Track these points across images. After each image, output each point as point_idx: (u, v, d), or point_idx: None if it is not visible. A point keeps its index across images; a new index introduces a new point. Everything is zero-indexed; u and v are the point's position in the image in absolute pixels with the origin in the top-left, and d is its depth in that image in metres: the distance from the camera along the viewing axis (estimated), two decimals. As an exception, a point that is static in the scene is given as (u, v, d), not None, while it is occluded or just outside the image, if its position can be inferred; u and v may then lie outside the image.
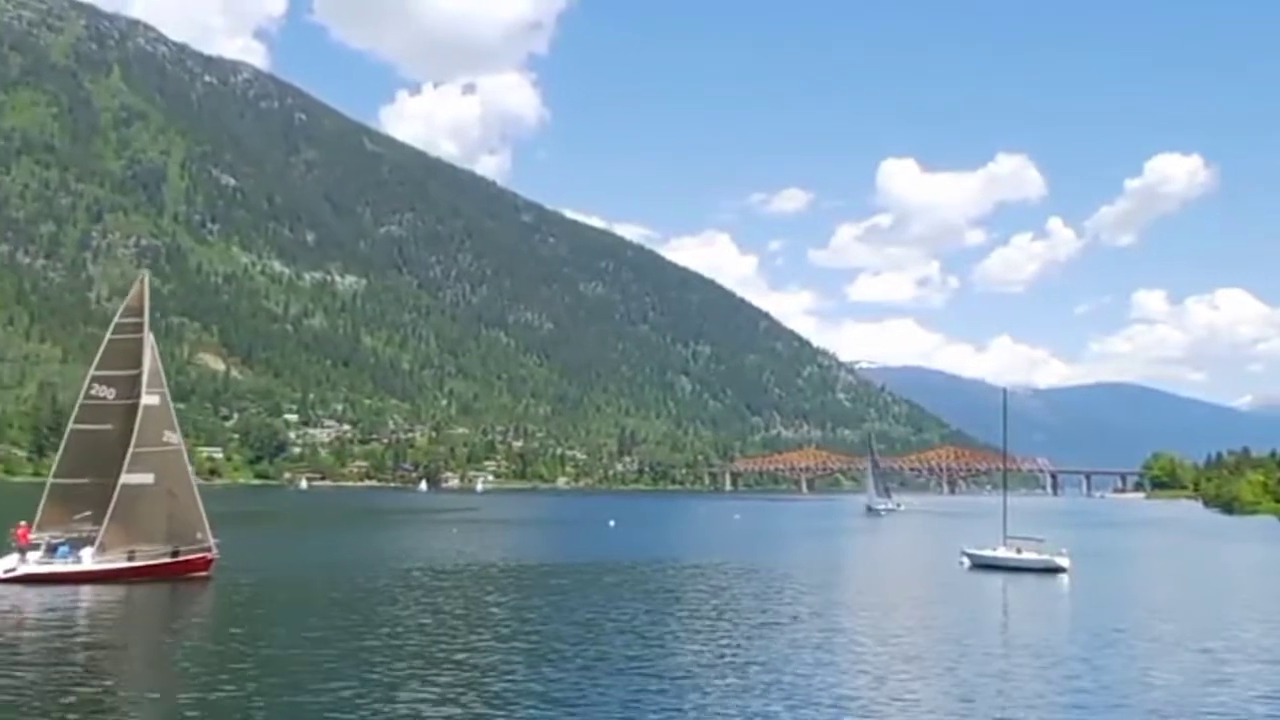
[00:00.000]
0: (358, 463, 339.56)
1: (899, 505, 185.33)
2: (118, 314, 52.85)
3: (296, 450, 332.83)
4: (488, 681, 28.17)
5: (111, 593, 44.50)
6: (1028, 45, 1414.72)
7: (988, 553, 66.96)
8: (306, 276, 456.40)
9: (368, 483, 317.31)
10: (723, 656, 32.15)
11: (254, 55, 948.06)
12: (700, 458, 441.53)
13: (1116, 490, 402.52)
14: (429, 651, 32.36)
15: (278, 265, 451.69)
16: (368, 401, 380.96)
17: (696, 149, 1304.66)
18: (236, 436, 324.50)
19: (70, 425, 49.99)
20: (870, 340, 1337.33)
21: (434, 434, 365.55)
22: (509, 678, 28.68)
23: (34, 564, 46.94)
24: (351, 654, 31.50)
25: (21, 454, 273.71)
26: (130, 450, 48.03)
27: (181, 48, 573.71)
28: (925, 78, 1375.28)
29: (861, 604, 47.24)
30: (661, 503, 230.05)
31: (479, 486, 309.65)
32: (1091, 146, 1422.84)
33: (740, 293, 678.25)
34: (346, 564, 61.92)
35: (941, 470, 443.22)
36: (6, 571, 46.23)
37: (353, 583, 51.30)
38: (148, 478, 48.61)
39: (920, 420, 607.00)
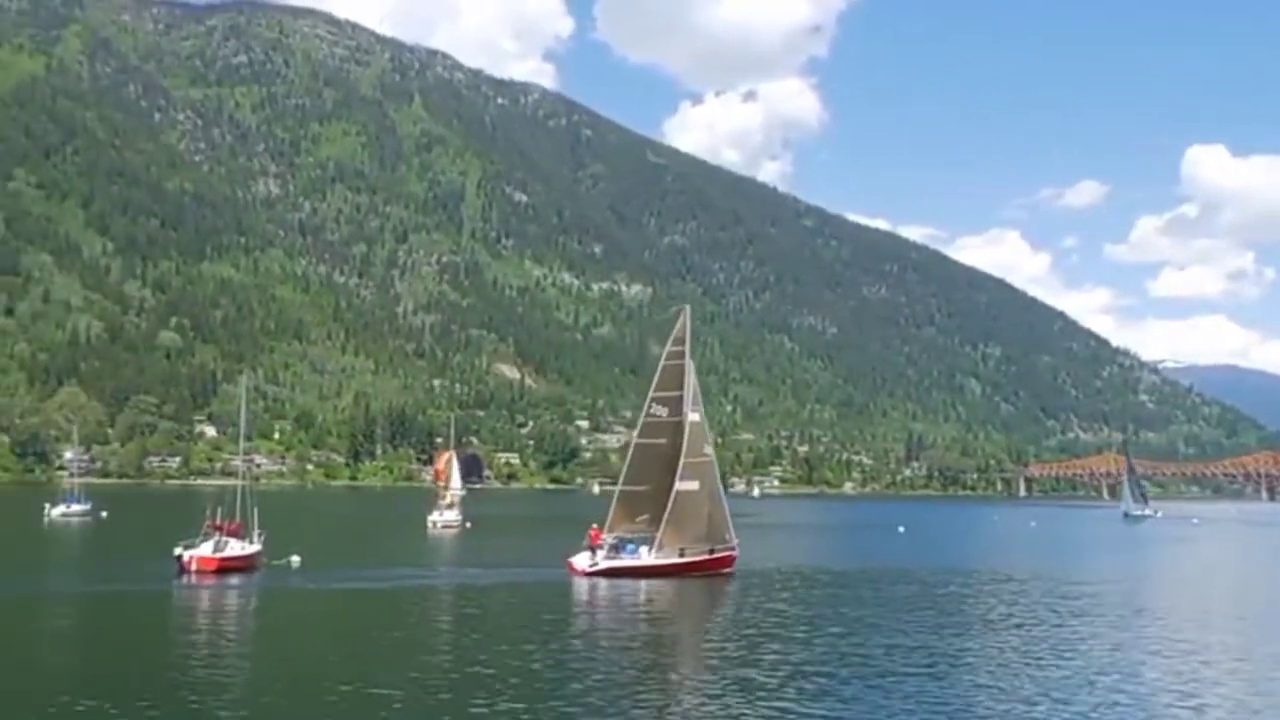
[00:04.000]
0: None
1: (1156, 512, 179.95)
2: (668, 343, 59.12)
3: (588, 455, 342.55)
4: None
5: (666, 585, 51.55)
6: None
7: None
8: (595, 287, 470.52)
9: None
10: (1021, 675, 31.00)
11: (543, 76, 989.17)
12: (992, 463, 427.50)
13: None
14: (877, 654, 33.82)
15: (567, 277, 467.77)
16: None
17: (982, 146, 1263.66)
18: (531, 443, 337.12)
19: (634, 440, 58.44)
20: (1176, 338, 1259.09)
21: (719, 440, 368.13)
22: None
23: (604, 560, 54.67)
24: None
25: (340, 460, 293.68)
26: (681, 461, 55.00)
27: (476, 73, 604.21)
28: (1233, 60, 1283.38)
29: (1173, 619, 44.62)
30: (952, 509, 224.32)
31: (756, 491, 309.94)
32: None
33: (1032, 292, 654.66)
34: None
35: (1260, 476, 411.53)
36: (591, 566, 54.50)
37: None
38: (694, 484, 55.36)
39: (1234, 423, 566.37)
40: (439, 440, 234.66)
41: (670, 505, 54.33)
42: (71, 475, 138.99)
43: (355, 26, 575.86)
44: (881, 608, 45.73)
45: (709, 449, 57.49)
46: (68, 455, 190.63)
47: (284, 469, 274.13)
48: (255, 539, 58.21)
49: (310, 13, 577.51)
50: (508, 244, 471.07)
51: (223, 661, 31.53)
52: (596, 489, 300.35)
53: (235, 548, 55.52)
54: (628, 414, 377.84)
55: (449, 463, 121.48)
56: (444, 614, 42.86)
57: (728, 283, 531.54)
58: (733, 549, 57.25)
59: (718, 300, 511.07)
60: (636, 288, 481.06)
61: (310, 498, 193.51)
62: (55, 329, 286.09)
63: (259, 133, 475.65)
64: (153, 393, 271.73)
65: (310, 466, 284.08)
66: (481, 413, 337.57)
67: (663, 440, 55.98)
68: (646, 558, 54.85)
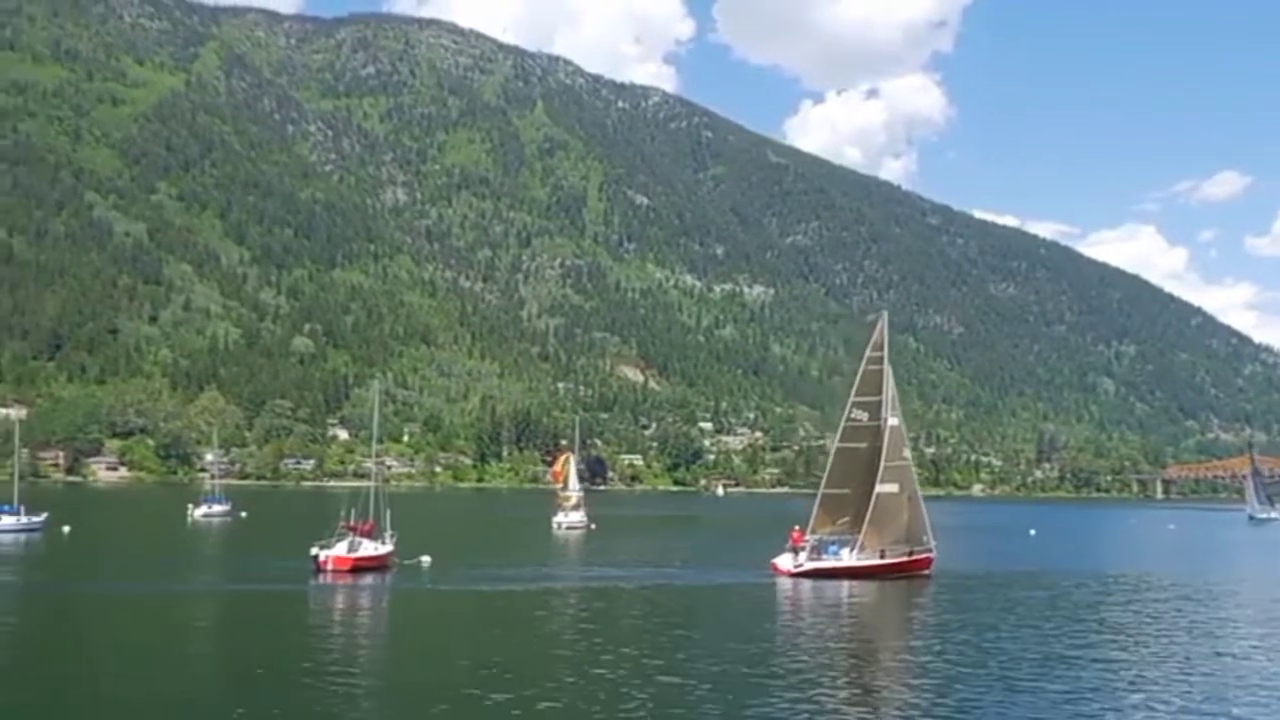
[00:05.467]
0: (770, 470, 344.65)
1: None
2: (868, 349, 60.10)
3: (711, 457, 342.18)
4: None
5: (866, 586, 53.12)
6: None
7: None
8: (717, 288, 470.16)
9: (780, 489, 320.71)
10: (1155, 688, 30.49)
11: (664, 79, 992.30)
12: (1127, 464, 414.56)
13: None
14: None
15: (689, 279, 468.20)
16: (778, 409, 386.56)
17: (1115, 139, 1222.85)
18: (655, 444, 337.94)
19: (835, 444, 59.74)
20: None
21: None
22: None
23: (807, 561, 56.44)
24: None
25: (467, 461, 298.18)
26: (882, 464, 56.65)
27: (597, 78, 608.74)
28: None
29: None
30: (1085, 511, 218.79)
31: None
32: None
33: (1168, 287, 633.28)
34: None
35: None
36: (796, 567, 56.19)
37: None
38: (894, 487, 57.03)
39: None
40: (563, 442, 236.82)
41: (871, 508, 55.86)
42: (212, 477, 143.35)
43: (478, 35, 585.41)
44: (1087, 611, 46.72)
45: (908, 452, 58.89)
46: (208, 457, 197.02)
47: (413, 471, 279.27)
48: (387, 539, 59.67)
49: (435, 23, 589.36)
50: (630, 247, 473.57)
51: (370, 660, 32.49)
52: (720, 491, 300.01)
53: (369, 548, 57.03)
54: (750, 416, 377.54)
55: (566, 464, 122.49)
56: (576, 615, 43.41)
57: (851, 283, 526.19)
58: (930, 551, 58.59)
59: (841, 300, 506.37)
60: (758, 289, 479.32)
61: (438, 499, 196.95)
62: (196, 335, 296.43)
63: (387, 142, 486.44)
64: (288, 397, 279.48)
65: (438, 468, 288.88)
66: (605, 415, 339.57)
67: (863, 444, 57.45)
68: (848, 559, 56.27)
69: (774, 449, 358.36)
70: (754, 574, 57.67)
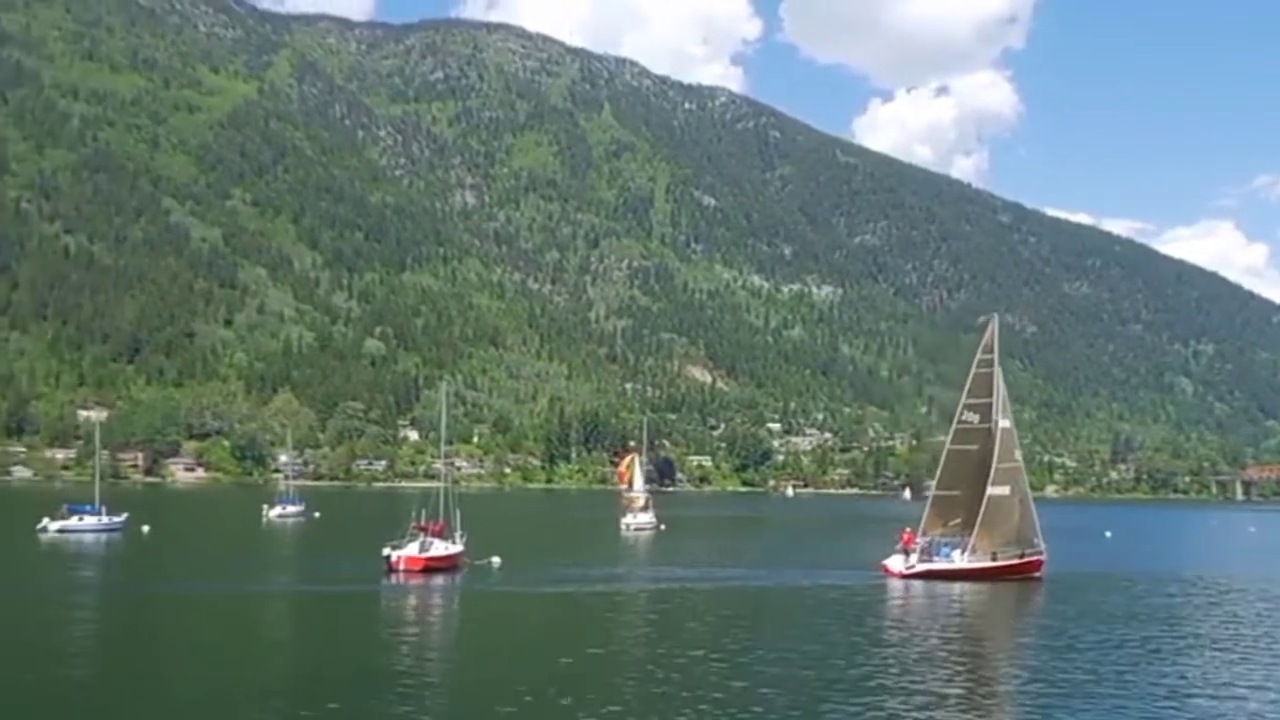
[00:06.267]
0: (839, 470, 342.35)
1: None
2: (978, 351, 60.81)
3: (780, 458, 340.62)
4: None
5: (978, 588, 53.45)
6: None
7: None
8: (785, 289, 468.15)
9: (849, 490, 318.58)
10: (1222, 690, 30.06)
11: (731, 79, 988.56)
12: (1205, 465, 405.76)
13: None
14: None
15: (757, 279, 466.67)
16: (847, 410, 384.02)
17: (1191, 133, 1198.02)
18: (723, 445, 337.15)
19: (946, 446, 60.10)
20: None
21: (914, 442, 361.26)
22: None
23: (918, 563, 56.92)
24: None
25: (536, 462, 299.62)
26: (993, 466, 56.85)
27: (664, 79, 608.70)
28: None
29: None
30: (1162, 513, 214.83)
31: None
32: None
33: (1247, 284, 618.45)
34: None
35: None
36: (908, 568, 56.63)
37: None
38: (1005, 490, 57.23)
39: None
40: (631, 443, 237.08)
41: (983, 510, 55.93)
42: (286, 478, 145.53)
43: (545, 39, 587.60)
44: (1189, 613, 47.14)
45: (1018, 454, 59.06)
46: (282, 458, 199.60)
47: (482, 472, 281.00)
48: (458, 540, 60.10)
49: (503, 27, 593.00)
50: (697, 248, 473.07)
51: (441, 661, 32.78)
52: (790, 492, 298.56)
53: (439, 548, 57.48)
54: (819, 416, 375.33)
55: (631, 465, 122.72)
56: (656, 617, 43.45)
57: (921, 282, 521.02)
58: (1041, 553, 58.54)
59: (910, 300, 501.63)
60: (827, 289, 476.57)
61: (507, 500, 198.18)
62: (270, 339, 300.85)
63: (455, 146, 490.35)
64: (359, 399, 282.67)
65: (507, 469, 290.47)
66: (673, 415, 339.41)
67: (974, 446, 57.67)
68: (959, 561, 56.46)
69: (843, 449, 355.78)
70: (863, 575, 58.00)
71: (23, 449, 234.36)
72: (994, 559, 56.48)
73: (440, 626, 41.52)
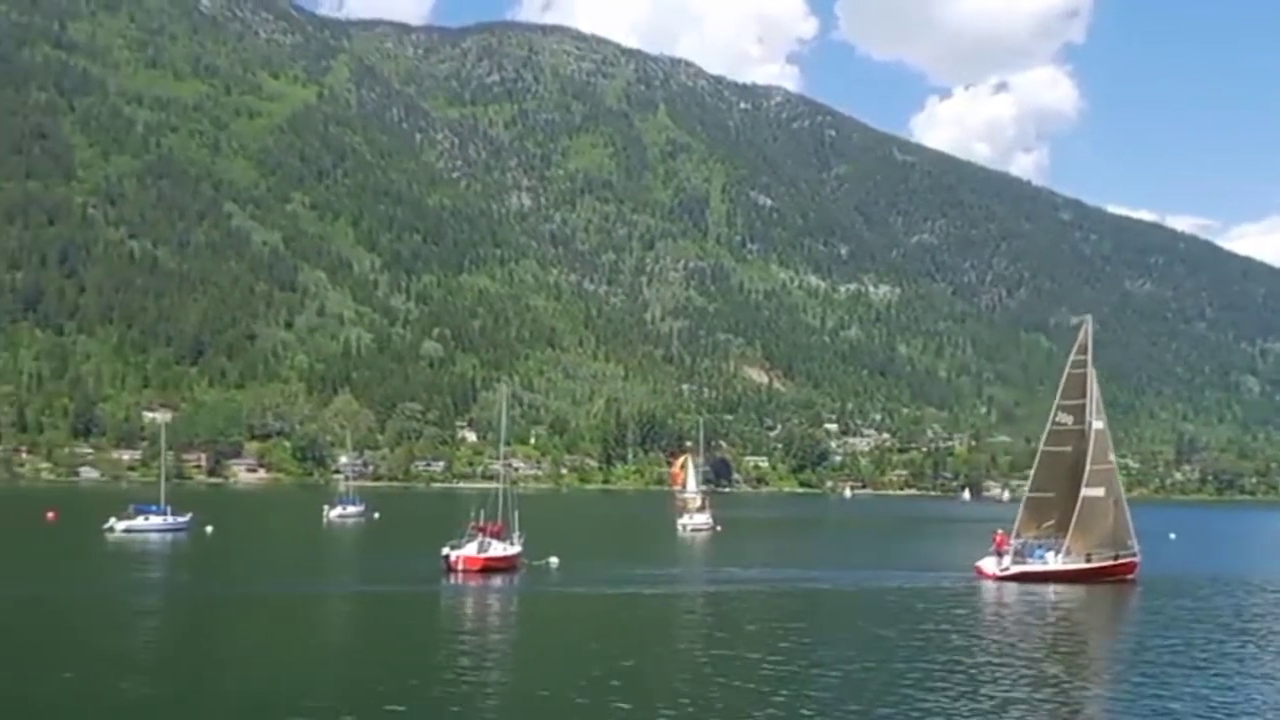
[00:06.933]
0: (897, 471, 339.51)
1: None
2: (1072, 352, 60.76)
3: (837, 459, 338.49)
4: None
5: (1073, 590, 53.65)
6: None
7: None
8: (841, 289, 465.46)
9: (908, 491, 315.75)
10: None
11: (787, 79, 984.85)
12: (1273, 465, 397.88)
13: None
14: None
15: (813, 279, 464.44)
16: (905, 410, 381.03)
17: (1258, 129, 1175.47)
18: (780, 446, 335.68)
19: (1040, 448, 60.50)
20: None
21: (973, 442, 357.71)
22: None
23: (1012, 565, 57.14)
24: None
25: (593, 463, 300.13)
26: (1087, 468, 56.98)
27: (719, 79, 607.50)
28: None
29: None
30: (1229, 515, 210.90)
31: (1006, 496, 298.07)
32: None
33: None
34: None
35: None
36: (1002, 570, 56.34)
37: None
38: (1100, 491, 57.43)
39: None
40: (688, 444, 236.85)
41: (1077, 511, 55.98)
42: (346, 478, 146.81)
43: (601, 40, 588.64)
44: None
45: (1113, 456, 59.13)
46: (343, 459, 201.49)
47: (539, 472, 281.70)
48: (516, 540, 60.36)
49: (558, 29, 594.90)
50: (753, 248, 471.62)
51: (500, 662, 32.89)
52: (848, 493, 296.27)
53: (498, 548, 57.76)
54: (877, 417, 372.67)
55: (685, 466, 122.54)
56: (721, 618, 43.39)
57: (979, 281, 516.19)
58: (1135, 555, 58.42)
59: (969, 299, 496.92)
60: (884, 288, 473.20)
61: (564, 501, 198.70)
62: (330, 341, 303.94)
63: (511, 148, 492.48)
64: (418, 400, 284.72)
65: (564, 470, 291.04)
66: (730, 416, 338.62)
67: (1068, 447, 57.72)
68: (1053, 563, 56.52)
69: (901, 450, 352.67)
70: (956, 577, 58.19)
71: (90, 450, 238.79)
72: (1089, 561, 56.50)
73: (499, 627, 41.69)
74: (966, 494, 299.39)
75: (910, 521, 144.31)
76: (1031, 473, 60.05)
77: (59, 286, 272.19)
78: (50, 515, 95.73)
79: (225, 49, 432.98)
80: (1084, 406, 57.77)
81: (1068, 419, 57.98)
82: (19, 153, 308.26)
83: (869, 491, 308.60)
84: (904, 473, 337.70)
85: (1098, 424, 57.47)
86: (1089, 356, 58.56)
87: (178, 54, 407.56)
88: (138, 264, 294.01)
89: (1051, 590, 52.89)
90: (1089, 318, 61.87)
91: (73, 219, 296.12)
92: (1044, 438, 59.44)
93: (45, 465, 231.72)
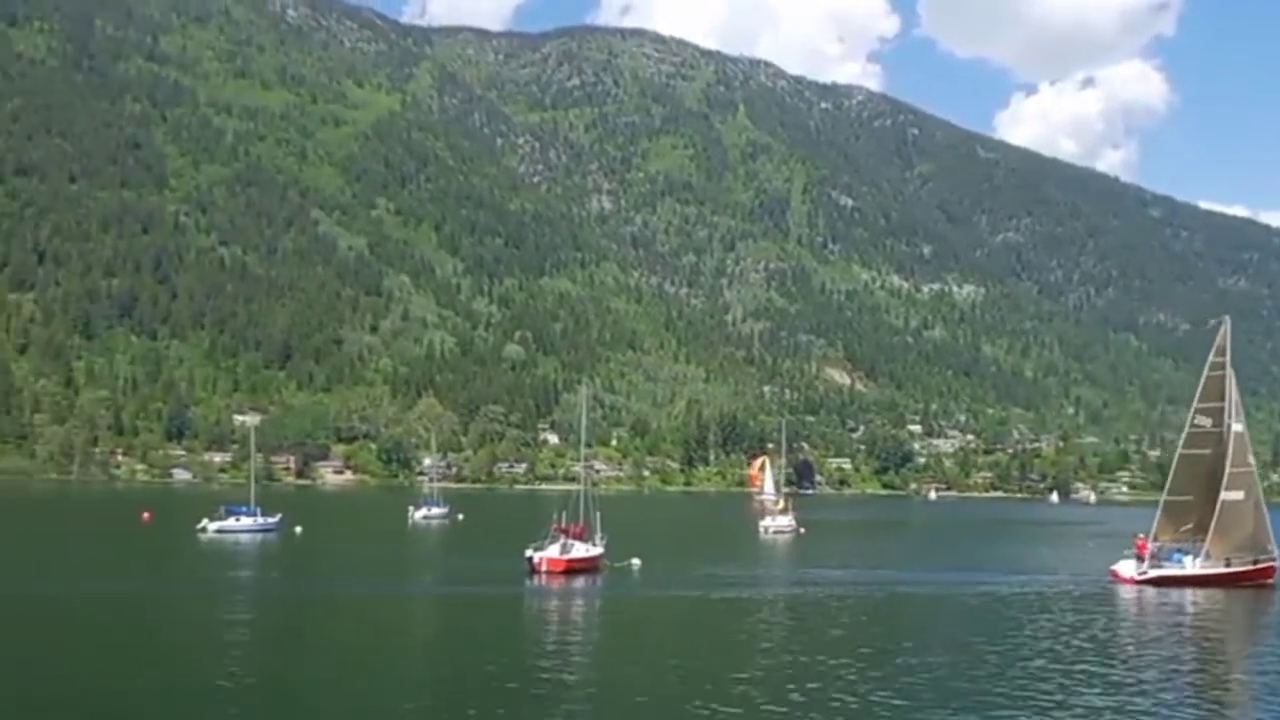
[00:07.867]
0: (982, 473, 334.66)
1: None
2: (1211, 354, 60.04)
3: (921, 460, 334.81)
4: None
5: (1212, 594, 53.44)
6: None
7: None
8: (925, 289, 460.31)
9: (993, 493, 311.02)
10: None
11: (869, 77, 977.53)
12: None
13: None
14: None
15: (896, 279, 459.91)
16: (990, 411, 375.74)
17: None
18: (863, 448, 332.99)
19: (1178, 451, 60.51)
20: None
21: (1061, 444, 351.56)
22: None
23: (1150, 569, 57.01)
24: None
25: (674, 465, 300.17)
26: (1227, 471, 56.33)
27: (799, 79, 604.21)
28: None
29: None
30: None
31: (1091, 497, 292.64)
32: None
33: None
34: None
35: None
36: (1140, 574, 56.62)
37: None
38: (1239, 494, 56.68)
39: None
40: (770, 445, 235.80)
41: (1216, 515, 55.33)
42: (430, 480, 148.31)
43: (680, 42, 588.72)
44: None
45: (1252, 459, 58.25)
46: (427, 461, 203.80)
47: (621, 474, 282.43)
48: (598, 542, 60.64)
49: (637, 32, 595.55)
50: (834, 249, 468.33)
51: (583, 666, 33.06)
52: (933, 495, 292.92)
53: (580, 550, 58.05)
54: (961, 418, 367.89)
55: (763, 468, 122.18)
56: (814, 622, 43.21)
57: (1066, 279, 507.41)
58: (1274, 560, 57.40)
59: (1055, 298, 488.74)
60: (968, 288, 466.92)
61: (646, 502, 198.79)
62: (414, 344, 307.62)
63: (592, 151, 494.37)
64: (500, 403, 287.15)
65: (646, 472, 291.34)
66: (812, 418, 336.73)
67: (1206, 450, 57.25)
68: (1191, 567, 56.08)
69: (986, 452, 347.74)
70: (1092, 581, 58.18)
71: (183, 452, 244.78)
72: (1228, 565, 55.83)
73: (582, 629, 41.90)
74: (1054, 496, 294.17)
75: (1001, 524, 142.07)
76: (1169, 476, 59.67)
77: (152, 293, 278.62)
78: (146, 516, 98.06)
79: (311, 58, 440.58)
80: (1222, 409, 57.23)
81: (1206, 421, 57.60)
82: (114, 163, 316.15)
83: (953, 493, 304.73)
84: (989, 474, 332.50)
85: (1237, 426, 56.93)
86: (1227, 358, 57.90)
87: (265, 64, 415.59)
88: (228, 270, 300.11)
89: (1190, 594, 52.90)
90: (1227, 319, 60.46)
91: (165, 227, 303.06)
92: (1182, 440, 59.31)
93: (140, 467, 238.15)
